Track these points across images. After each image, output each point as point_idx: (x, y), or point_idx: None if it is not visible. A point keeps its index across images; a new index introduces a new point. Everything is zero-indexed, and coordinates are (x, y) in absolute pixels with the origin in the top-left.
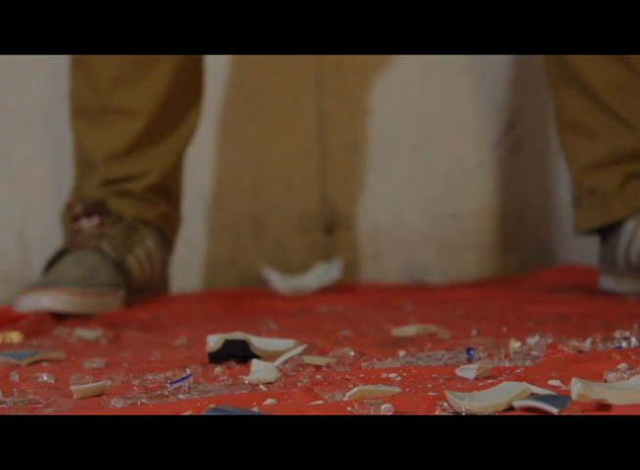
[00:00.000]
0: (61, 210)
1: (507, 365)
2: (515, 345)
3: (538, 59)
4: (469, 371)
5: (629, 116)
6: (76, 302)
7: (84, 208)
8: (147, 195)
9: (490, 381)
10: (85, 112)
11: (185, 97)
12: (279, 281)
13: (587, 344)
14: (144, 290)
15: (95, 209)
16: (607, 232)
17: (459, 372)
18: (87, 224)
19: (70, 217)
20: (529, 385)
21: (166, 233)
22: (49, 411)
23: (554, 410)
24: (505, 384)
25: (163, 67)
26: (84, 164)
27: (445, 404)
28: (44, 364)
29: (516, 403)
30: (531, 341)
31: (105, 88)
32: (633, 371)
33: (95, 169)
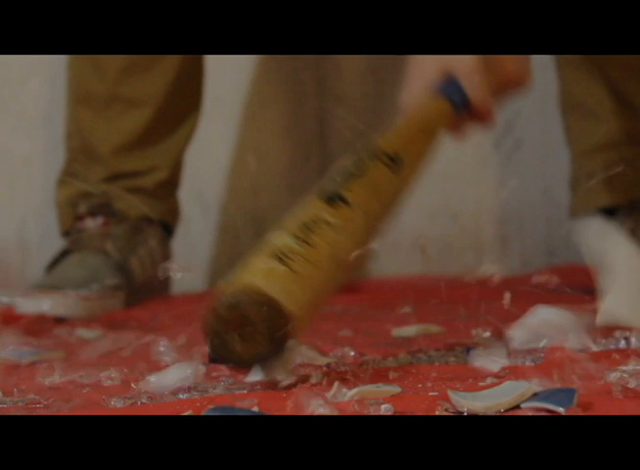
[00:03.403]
0: (56, 197)
1: (507, 365)
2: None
3: (537, 58)
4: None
5: (636, 98)
6: (77, 306)
7: (89, 208)
8: (157, 191)
9: (490, 381)
10: (90, 99)
11: (188, 90)
12: None
13: (587, 344)
14: (145, 290)
15: (100, 209)
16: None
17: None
18: (91, 224)
19: (74, 216)
20: (532, 385)
21: (170, 226)
22: (49, 411)
23: (560, 410)
24: (507, 384)
25: (169, 58)
26: (84, 151)
27: (446, 404)
28: (44, 364)
29: (522, 405)
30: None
31: (113, 77)
32: (633, 371)
33: (100, 160)
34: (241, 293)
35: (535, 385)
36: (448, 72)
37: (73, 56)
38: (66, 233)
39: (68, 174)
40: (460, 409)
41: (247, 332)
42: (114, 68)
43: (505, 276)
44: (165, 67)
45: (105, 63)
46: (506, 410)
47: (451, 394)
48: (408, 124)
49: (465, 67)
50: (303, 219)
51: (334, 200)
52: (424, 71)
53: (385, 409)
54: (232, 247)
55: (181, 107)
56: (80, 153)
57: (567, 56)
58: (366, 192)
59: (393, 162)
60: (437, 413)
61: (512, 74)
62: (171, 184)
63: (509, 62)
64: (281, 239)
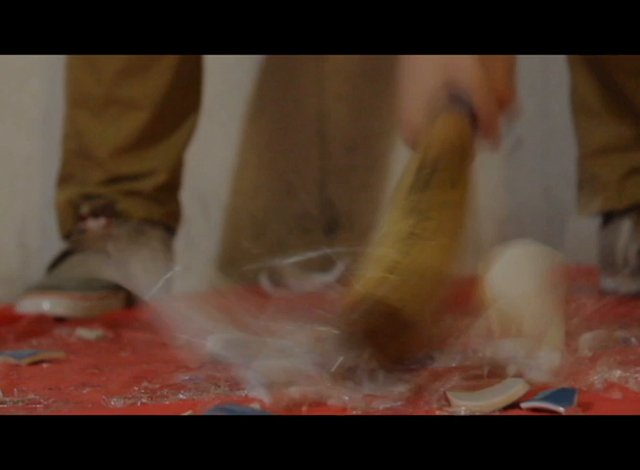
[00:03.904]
0: (56, 200)
1: None
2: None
3: (537, 58)
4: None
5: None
6: (77, 306)
7: (91, 208)
8: (156, 194)
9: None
10: (87, 102)
11: (187, 92)
12: (271, 288)
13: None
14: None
15: (102, 210)
16: (606, 225)
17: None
18: (94, 225)
19: (75, 215)
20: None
21: (173, 228)
22: (49, 411)
23: (560, 409)
24: (507, 381)
25: (167, 59)
26: (81, 153)
27: (444, 402)
28: (44, 364)
29: (522, 405)
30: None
31: (110, 79)
32: (633, 371)
33: (98, 163)
34: (372, 308)
35: None
36: (451, 84)
37: (71, 57)
38: (66, 236)
39: (65, 176)
40: (457, 409)
41: (376, 344)
42: (110, 70)
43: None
44: (163, 68)
45: (101, 64)
46: (504, 409)
47: (449, 394)
48: (446, 141)
49: (469, 78)
50: (399, 234)
51: (417, 215)
52: (423, 81)
53: (385, 409)
54: (232, 247)
55: (179, 109)
56: (77, 155)
57: (578, 56)
58: (441, 206)
59: (450, 177)
60: (437, 413)
61: (503, 95)
62: (171, 187)
63: (500, 81)
64: (387, 253)
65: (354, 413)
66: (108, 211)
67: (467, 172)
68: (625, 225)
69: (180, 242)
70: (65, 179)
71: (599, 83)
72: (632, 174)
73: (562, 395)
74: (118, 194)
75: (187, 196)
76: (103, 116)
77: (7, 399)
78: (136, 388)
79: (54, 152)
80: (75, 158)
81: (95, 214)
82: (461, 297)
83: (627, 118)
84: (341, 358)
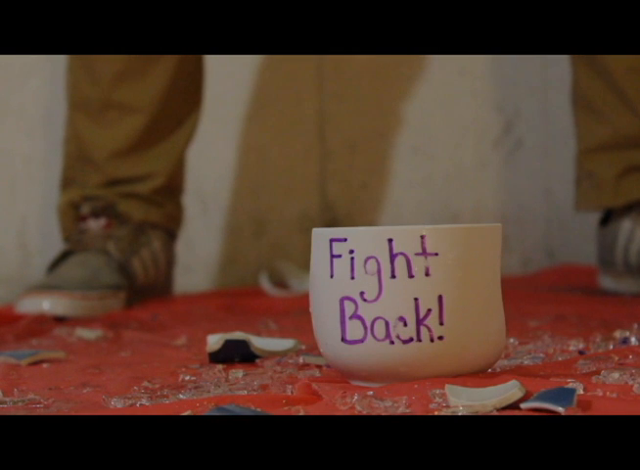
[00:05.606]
0: (59, 203)
1: (506, 364)
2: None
3: (538, 59)
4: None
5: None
6: (77, 305)
7: (92, 209)
8: (154, 197)
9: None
10: (86, 105)
11: (186, 94)
12: (271, 288)
13: (587, 344)
14: (147, 291)
15: (103, 211)
16: (605, 224)
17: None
18: (94, 225)
19: (77, 217)
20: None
21: (172, 230)
22: (49, 411)
23: (560, 409)
24: (510, 383)
25: (165, 62)
26: (81, 157)
27: (440, 400)
28: (44, 364)
29: (522, 405)
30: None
31: (107, 83)
32: (635, 371)
33: (97, 166)
34: None
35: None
36: None
37: (70, 60)
38: (67, 239)
39: (66, 180)
40: (454, 409)
41: None
42: (108, 73)
43: (505, 276)
44: (160, 72)
45: (99, 68)
46: (502, 408)
47: (448, 388)
48: None
49: None
50: None
51: None
52: None
53: (385, 409)
54: (232, 247)
55: (178, 111)
56: (77, 158)
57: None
58: None
59: None
60: (436, 413)
61: None
62: (171, 190)
63: None
64: None
65: (356, 413)
66: (108, 211)
67: None
68: (625, 225)
69: (180, 242)
70: (66, 183)
71: (600, 80)
72: (630, 172)
73: (561, 395)
74: (117, 196)
75: (187, 196)
76: (101, 119)
77: (7, 399)
78: (136, 388)
79: (54, 152)
80: (75, 161)
81: (96, 215)
82: None
83: (627, 116)
84: None
